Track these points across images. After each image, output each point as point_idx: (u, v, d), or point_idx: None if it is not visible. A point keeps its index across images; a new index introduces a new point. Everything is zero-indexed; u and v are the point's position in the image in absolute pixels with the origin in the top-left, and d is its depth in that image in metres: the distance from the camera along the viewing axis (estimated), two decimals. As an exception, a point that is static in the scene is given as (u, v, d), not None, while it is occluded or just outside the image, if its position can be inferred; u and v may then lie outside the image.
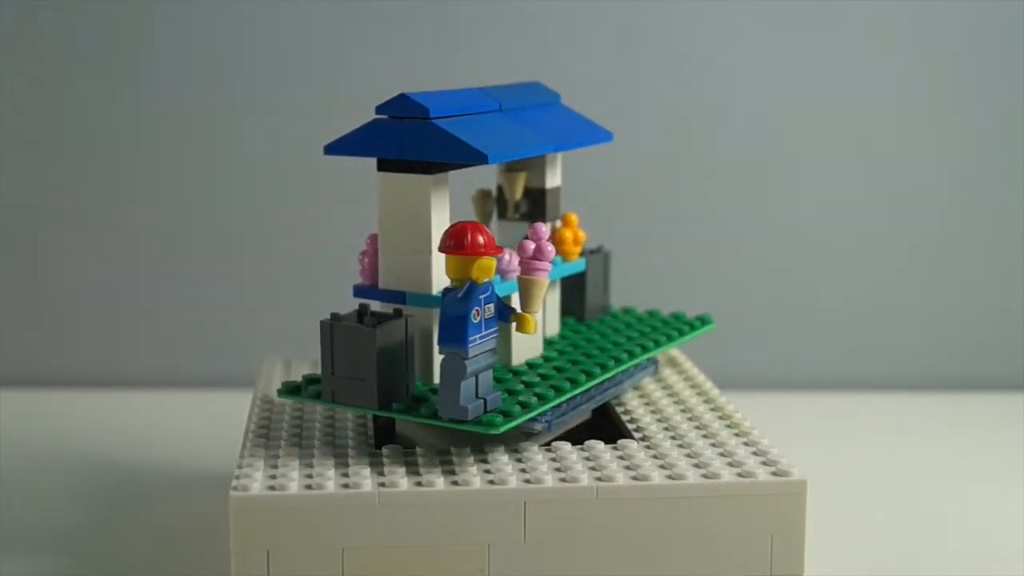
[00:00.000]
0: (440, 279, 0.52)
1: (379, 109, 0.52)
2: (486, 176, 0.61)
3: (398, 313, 0.52)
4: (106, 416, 0.79)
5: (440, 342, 0.49)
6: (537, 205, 0.61)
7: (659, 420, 0.57)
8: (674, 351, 0.68)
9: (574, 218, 0.60)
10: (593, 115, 0.61)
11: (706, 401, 0.60)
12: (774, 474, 0.51)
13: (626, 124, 0.86)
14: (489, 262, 0.49)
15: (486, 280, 0.49)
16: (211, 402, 0.81)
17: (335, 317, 0.52)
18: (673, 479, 0.50)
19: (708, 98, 0.86)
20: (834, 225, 0.87)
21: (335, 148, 0.53)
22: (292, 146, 0.85)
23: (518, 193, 0.61)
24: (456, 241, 0.49)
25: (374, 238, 0.54)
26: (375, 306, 0.54)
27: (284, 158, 0.85)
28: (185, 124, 0.85)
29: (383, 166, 0.53)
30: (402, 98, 0.52)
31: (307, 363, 0.67)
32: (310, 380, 0.55)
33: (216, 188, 0.86)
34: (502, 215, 0.61)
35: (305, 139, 0.85)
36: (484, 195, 0.61)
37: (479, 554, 0.49)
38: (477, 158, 0.51)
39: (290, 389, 0.55)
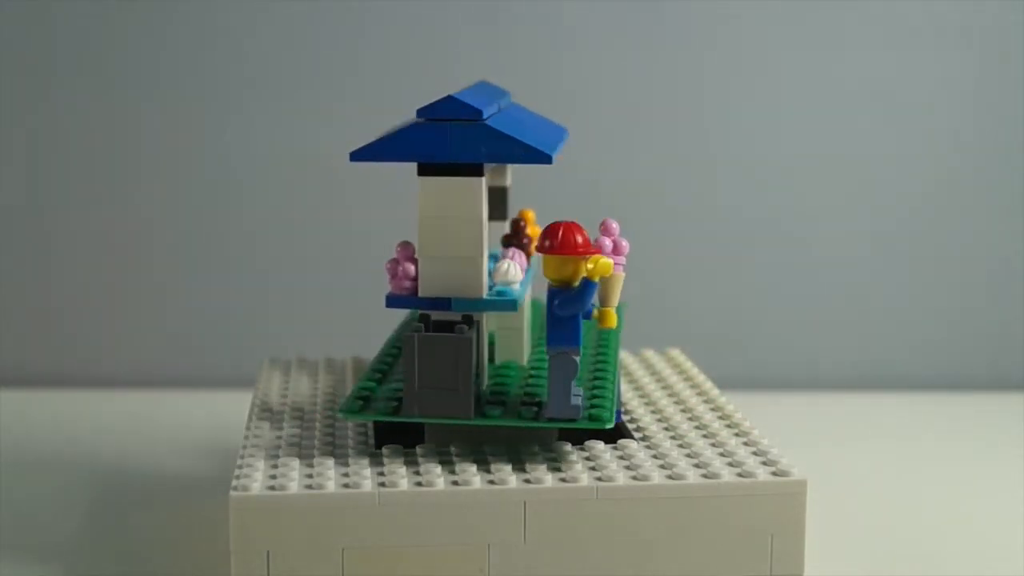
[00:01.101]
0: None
1: (422, 112, 0.51)
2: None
3: (468, 320, 0.51)
4: (106, 416, 0.79)
5: (549, 343, 0.50)
6: (499, 204, 0.60)
7: (659, 420, 0.57)
8: (674, 351, 0.68)
9: (532, 215, 0.60)
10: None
11: (706, 401, 0.60)
12: (774, 474, 0.51)
13: (625, 123, 0.86)
14: (608, 261, 0.49)
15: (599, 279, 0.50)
16: (211, 402, 0.81)
17: (416, 329, 0.51)
18: (673, 479, 0.50)
19: (708, 98, 0.86)
20: (834, 225, 0.87)
21: (366, 154, 0.51)
22: (292, 147, 0.85)
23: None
24: (562, 241, 0.49)
25: (405, 245, 0.52)
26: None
27: (284, 159, 0.85)
28: (186, 125, 0.85)
29: (425, 170, 0.52)
30: (450, 100, 0.51)
31: (307, 363, 0.67)
32: (361, 395, 0.54)
33: (217, 189, 0.86)
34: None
35: (305, 139, 0.85)
36: None
37: (479, 554, 0.49)
38: (538, 158, 0.50)
39: (354, 408, 0.53)
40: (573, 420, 0.50)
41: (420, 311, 0.52)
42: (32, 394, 0.83)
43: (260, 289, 0.86)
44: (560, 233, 0.50)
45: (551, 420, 0.50)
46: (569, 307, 0.49)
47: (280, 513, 0.48)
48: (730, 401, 0.60)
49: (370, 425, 0.56)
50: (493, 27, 0.85)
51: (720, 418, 0.58)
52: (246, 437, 0.55)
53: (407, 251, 0.52)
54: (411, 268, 0.52)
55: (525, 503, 0.49)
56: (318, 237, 0.86)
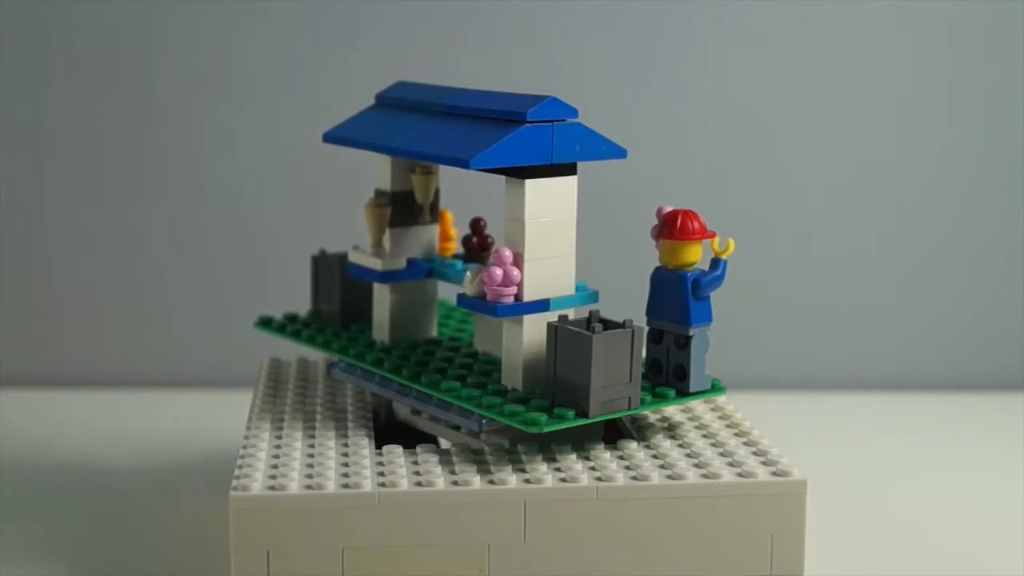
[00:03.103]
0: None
1: (531, 115, 0.52)
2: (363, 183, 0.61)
3: (564, 318, 0.52)
4: (106, 416, 0.79)
5: (693, 322, 0.53)
6: (434, 207, 0.61)
7: (659, 420, 0.57)
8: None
9: (449, 216, 0.63)
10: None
11: (706, 401, 0.60)
12: (774, 474, 0.51)
13: (625, 123, 0.86)
14: (732, 242, 0.55)
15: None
16: (211, 402, 0.81)
17: (561, 331, 0.51)
18: (673, 479, 0.50)
19: (709, 99, 0.86)
20: (834, 225, 0.87)
21: (482, 160, 0.51)
22: (293, 147, 0.85)
23: (431, 195, 0.60)
24: (692, 227, 0.53)
25: (503, 251, 0.53)
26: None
27: (285, 158, 0.85)
28: (187, 124, 0.85)
29: (527, 173, 0.52)
30: (553, 102, 0.52)
31: (307, 363, 0.67)
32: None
33: (217, 188, 0.86)
34: (411, 221, 0.60)
35: (307, 139, 0.85)
36: (381, 204, 0.59)
37: (479, 554, 0.49)
38: (617, 154, 0.54)
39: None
40: (707, 391, 0.54)
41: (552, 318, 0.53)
42: (32, 394, 0.83)
43: (261, 289, 0.86)
44: (684, 220, 0.54)
45: (693, 394, 0.54)
46: (713, 286, 0.54)
47: (280, 513, 0.48)
48: (730, 401, 0.60)
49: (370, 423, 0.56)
50: (493, 27, 0.85)
51: (720, 418, 0.58)
52: (246, 437, 0.55)
53: (508, 256, 0.53)
54: (517, 273, 0.52)
55: (525, 503, 0.49)
56: (318, 237, 0.86)
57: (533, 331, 0.53)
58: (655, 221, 0.57)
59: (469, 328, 0.64)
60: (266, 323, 0.65)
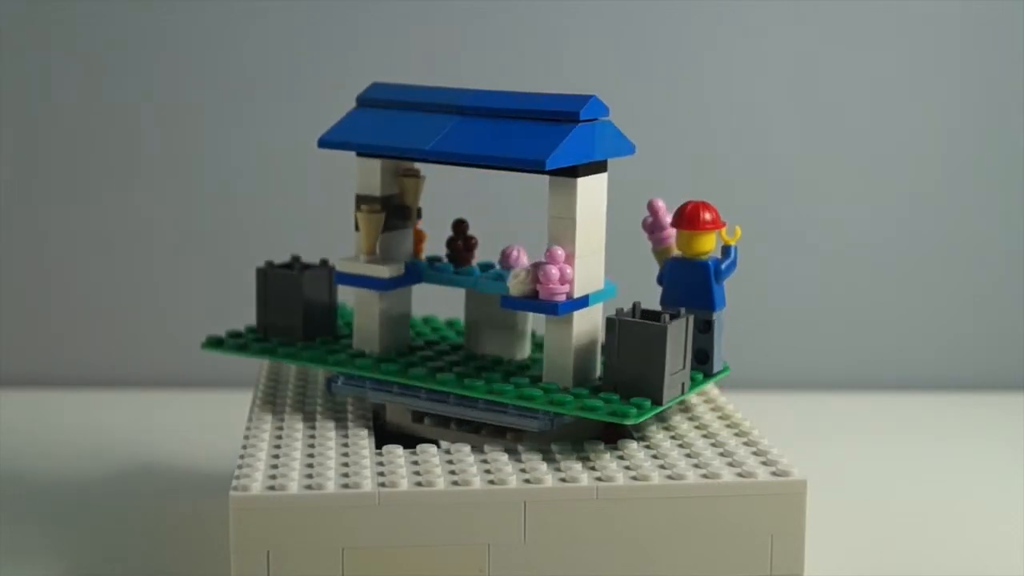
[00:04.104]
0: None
1: (583, 114, 0.53)
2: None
3: (656, 312, 0.53)
4: (106, 416, 0.79)
5: (716, 306, 0.56)
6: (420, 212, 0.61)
7: (659, 420, 0.57)
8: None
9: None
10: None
11: (706, 401, 0.60)
12: (774, 474, 0.51)
13: (625, 124, 0.86)
14: (739, 229, 0.58)
15: None
16: (211, 402, 0.81)
17: (627, 325, 0.52)
18: (673, 479, 0.50)
19: (709, 98, 0.86)
20: (835, 225, 0.87)
21: (556, 160, 0.51)
22: (293, 146, 0.85)
23: (419, 199, 0.59)
24: (711, 217, 0.56)
25: (554, 251, 0.53)
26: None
27: (285, 158, 0.85)
28: (187, 124, 0.85)
29: (584, 171, 0.53)
30: (595, 101, 0.53)
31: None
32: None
33: (217, 188, 0.86)
34: (401, 225, 0.59)
35: (307, 139, 0.85)
36: (376, 210, 0.58)
37: (479, 554, 0.49)
38: (629, 150, 0.56)
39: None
40: (724, 371, 0.58)
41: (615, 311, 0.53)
42: (32, 394, 0.83)
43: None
44: (701, 211, 0.56)
45: (715, 374, 0.57)
46: (730, 271, 0.57)
47: (280, 513, 0.48)
48: (730, 401, 0.60)
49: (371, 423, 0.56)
50: (492, 26, 0.85)
51: (720, 418, 0.58)
52: (246, 437, 0.55)
53: (562, 254, 0.53)
54: (570, 271, 0.53)
55: (525, 503, 0.49)
56: (318, 237, 0.86)
57: (581, 327, 0.54)
58: (647, 215, 0.58)
59: (443, 332, 0.64)
60: (215, 343, 0.62)
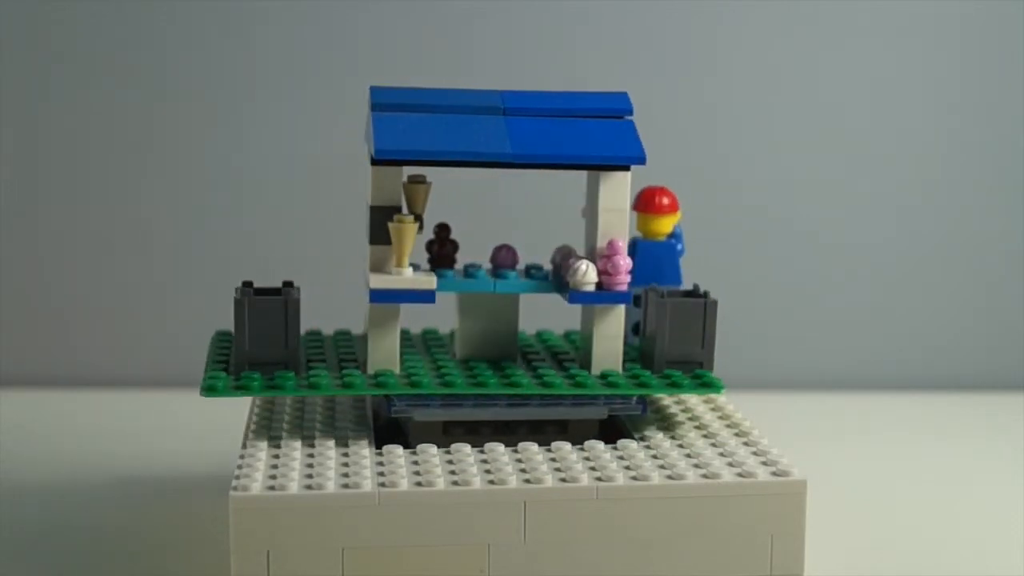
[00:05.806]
0: None
1: (631, 111, 0.56)
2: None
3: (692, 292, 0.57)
4: (106, 416, 0.79)
5: (681, 281, 0.60)
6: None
7: (659, 420, 0.57)
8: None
9: None
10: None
11: (706, 401, 0.60)
12: (774, 474, 0.51)
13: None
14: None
15: None
16: (211, 402, 0.81)
17: (664, 303, 0.55)
18: (673, 479, 0.50)
19: (712, 97, 0.86)
20: (835, 225, 0.87)
21: (641, 158, 0.55)
22: (294, 147, 0.85)
23: (425, 205, 0.56)
24: (670, 201, 0.62)
25: (616, 243, 0.55)
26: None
27: (286, 159, 0.85)
28: (188, 124, 0.85)
29: (624, 165, 0.55)
30: (626, 96, 0.57)
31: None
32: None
33: (218, 189, 0.86)
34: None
35: (308, 139, 0.85)
36: (408, 221, 0.54)
37: (479, 554, 0.49)
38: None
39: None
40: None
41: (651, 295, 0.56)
42: (32, 394, 0.83)
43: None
44: (662, 195, 0.61)
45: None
46: (683, 251, 0.63)
47: (280, 513, 0.48)
48: (730, 401, 0.60)
49: (370, 418, 0.56)
50: (493, 27, 0.85)
51: (720, 418, 0.58)
52: (246, 437, 0.55)
53: (620, 244, 0.55)
54: (629, 261, 0.55)
55: (525, 503, 0.49)
56: (319, 237, 0.86)
57: (625, 314, 0.56)
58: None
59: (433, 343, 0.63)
60: (211, 389, 0.55)
